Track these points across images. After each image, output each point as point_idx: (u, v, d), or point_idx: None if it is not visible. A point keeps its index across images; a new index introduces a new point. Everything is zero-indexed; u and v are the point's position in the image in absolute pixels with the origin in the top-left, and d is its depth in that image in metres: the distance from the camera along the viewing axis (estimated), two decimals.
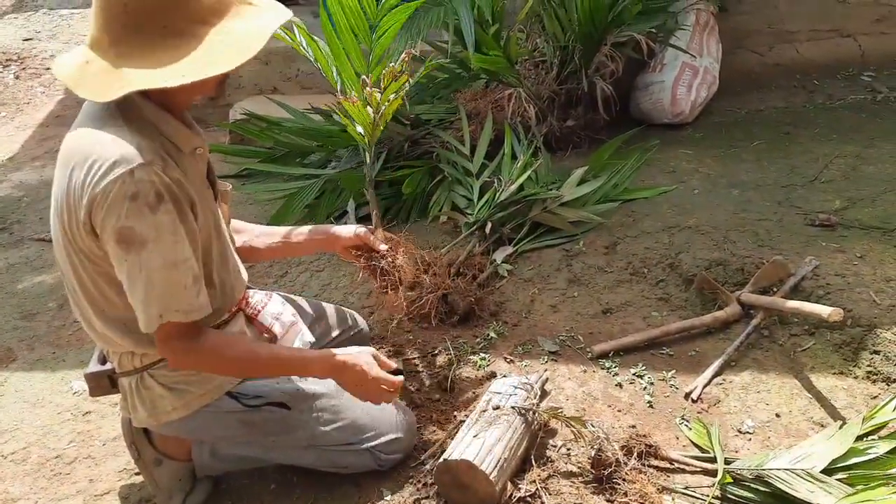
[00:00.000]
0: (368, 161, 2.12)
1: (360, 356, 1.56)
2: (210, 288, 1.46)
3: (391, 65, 2.07)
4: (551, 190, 2.73)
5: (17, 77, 4.74)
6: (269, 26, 1.28)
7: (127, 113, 1.31)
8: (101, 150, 1.26)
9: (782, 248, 2.49)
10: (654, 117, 3.54)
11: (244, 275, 1.65)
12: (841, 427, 1.70)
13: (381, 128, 2.11)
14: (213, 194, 1.52)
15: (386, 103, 2.07)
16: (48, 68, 4.79)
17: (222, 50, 1.23)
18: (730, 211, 2.78)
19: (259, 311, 1.69)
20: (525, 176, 2.68)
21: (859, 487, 1.55)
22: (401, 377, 1.62)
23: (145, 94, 1.31)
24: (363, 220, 2.95)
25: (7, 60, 4.96)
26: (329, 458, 1.68)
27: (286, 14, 1.33)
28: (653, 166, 3.18)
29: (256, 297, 1.71)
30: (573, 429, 1.76)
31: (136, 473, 1.77)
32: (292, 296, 2.03)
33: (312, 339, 1.77)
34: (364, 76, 2.13)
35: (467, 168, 2.94)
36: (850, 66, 4.04)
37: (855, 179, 2.94)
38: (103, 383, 1.57)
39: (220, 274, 1.51)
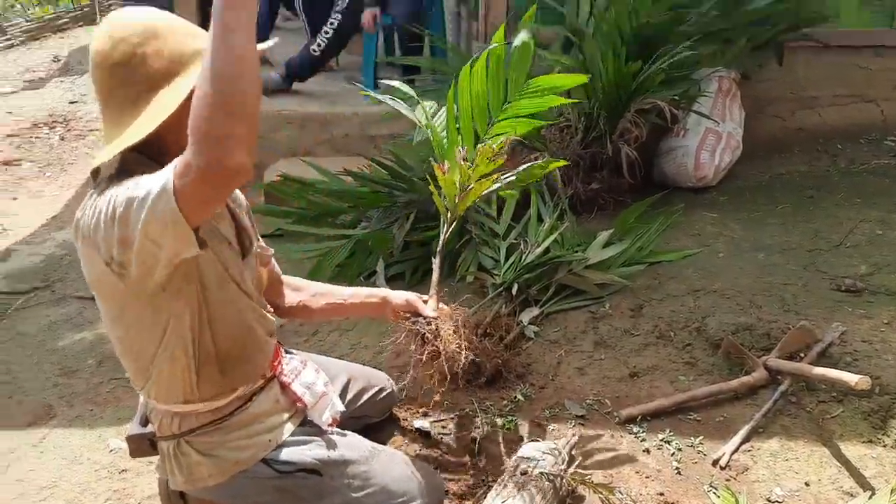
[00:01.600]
0: (443, 232, 2.10)
1: None
2: (227, 340, 1.51)
3: (487, 142, 2.02)
4: (577, 252, 2.78)
5: (62, 138, 4.96)
6: None
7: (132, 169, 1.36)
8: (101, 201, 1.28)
9: (808, 313, 2.51)
10: (678, 181, 3.61)
11: (269, 346, 1.68)
12: (871, 497, 1.69)
13: (467, 203, 2.07)
14: (237, 256, 1.54)
15: (475, 182, 2.00)
16: (92, 129, 5.01)
17: (166, 102, 1.26)
18: (755, 275, 2.80)
19: (292, 380, 1.72)
20: (551, 238, 2.74)
21: None
22: None
23: (147, 158, 1.36)
24: (393, 279, 3.02)
25: (53, 122, 5.19)
26: None
27: None
28: (677, 229, 3.23)
29: (291, 363, 1.75)
30: (601, 496, 1.77)
31: None
32: (326, 357, 2.09)
33: (342, 409, 1.80)
34: (459, 147, 2.12)
35: (494, 229, 3.01)
36: (872, 131, 4.09)
37: (880, 245, 2.95)
38: (144, 446, 1.62)
39: (232, 321, 1.53)
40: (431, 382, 1.82)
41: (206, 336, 1.48)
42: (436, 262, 2.01)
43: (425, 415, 2.25)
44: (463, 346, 1.81)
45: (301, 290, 1.91)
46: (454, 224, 2.08)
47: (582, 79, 2.19)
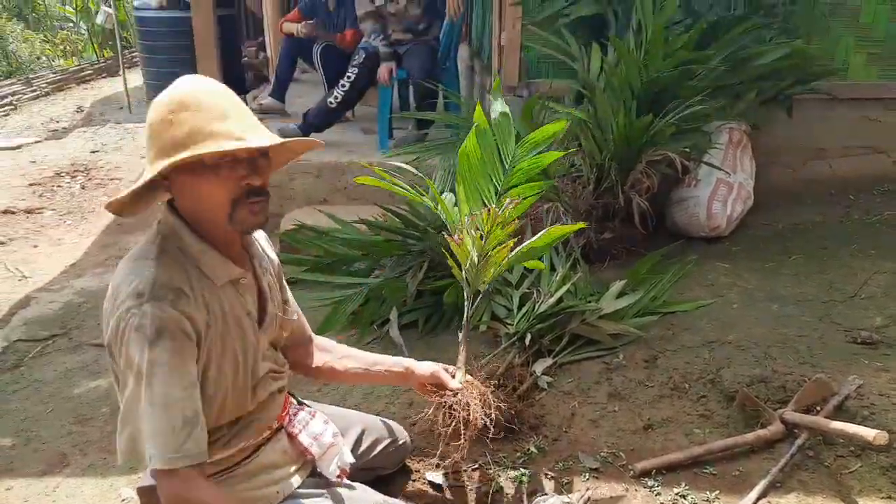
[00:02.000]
0: (466, 308, 2.11)
1: None
2: (223, 415, 1.52)
3: (492, 207, 2.00)
4: (590, 302, 2.79)
5: (83, 187, 5.06)
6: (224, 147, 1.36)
7: (165, 244, 1.43)
8: (123, 286, 1.38)
9: (824, 365, 2.49)
10: (690, 231, 3.63)
11: (278, 401, 1.70)
12: None
13: (489, 276, 2.08)
14: (253, 324, 1.58)
15: (491, 250, 1.99)
16: (112, 178, 5.12)
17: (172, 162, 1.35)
18: (769, 326, 2.79)
19: (300, 431, 1.72)
20: (564, 288, 2.75)
21: None
22: None
23: (187, 226, 1.45)
24: (405, 328, 3.03)
25: (75, 171, 5.31)
26: None
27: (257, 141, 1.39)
28: (691, 279, 3.24)
29: (301, 415, 1.75)
30: None
31: None
32: (339, 408, 2.09)
33: (352, 461, 1.79)
34: (468, 216, 2.12)
35: (507, 278, 3.03)
36: (884, 182, 4.11)
37: (895, 296, 2.94)
38: (154, 499, 1.62)
39: (237, 401, 1.56)
40: (456, 447, 1.81)
41: (211, 407, 1.49)
42: (462, 336, 2.02)
43: (438, 467, 2.23)
44: (492, 415, 1.82)
45: (329, 352, 1.94)
46: (478, 298, 2.11)
47: (562, 125, 2.28)
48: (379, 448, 2.05)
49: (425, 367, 1.92)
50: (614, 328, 2.74)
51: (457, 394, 1.84)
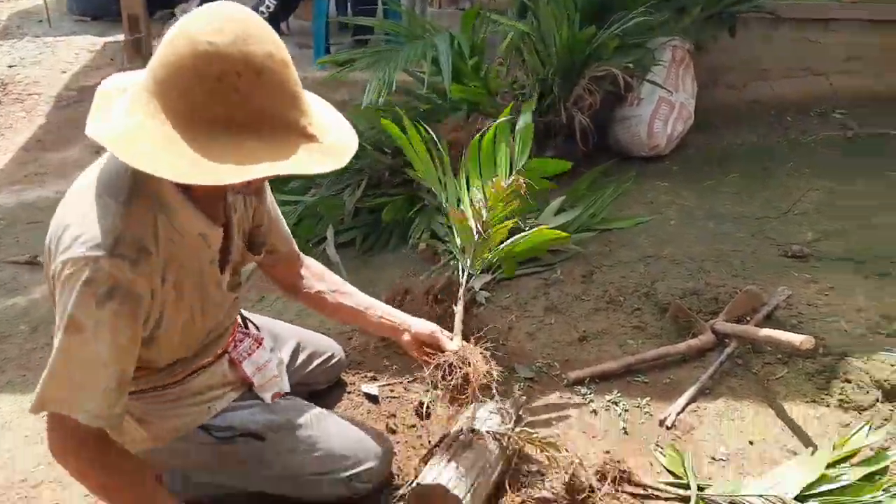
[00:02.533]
0: (462, 279, 2.04)
1: None
2: (182, 346, 1.45)
3: (495, 179, 2.00)
4: (529, 219, 2.75)
5: None
6: (294, 166, 1.14)
7: (138, 185, 1.25)
8: (86, 223, 1.20)
9: (756, 278, 2.53)
10: (631, 150, 3.60)
11: (228, 332, 1.63)
12: (812, 454, 1.71)
13: (486, 255, 2.05)
14: (218, 270, 1.46)
15: (493, 227, 1.98)
16: (31, 94, 4.80)
17: (227, 164, 1.10)
18: (705, 242, 2.82)
19: (244, 359, 1.65)
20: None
21: None
22: None
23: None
24: (342, 247, 2.96)
25: None
26: (303, 489, 1.65)
27: (326, 166, 1.18)
28: (630, 197, 3.23)
29: (246, 342, 1.68)
30: (547, 454, 1.76)
31: None
32: (276, 321, 2.02)
33: (287, 390, 1.75)
34: (477, 188, 2.13)
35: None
36: (822, 104, 4.14)
37: (827, 213, 3.00)
38: None
39: (189, 344, 1.48)
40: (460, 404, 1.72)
41: (160, 352, 1.42)
42: (458, 307, 1.95)
43: (373, 379, 2.20)
44: (494, 374, 1.73)
45: (322, 281, 1.81)
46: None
47: (566, 165, 2.49)
48: (315, 363, 2.01)
49: (424, 326, 1.76)
50: (553, 244, 2.71)
51: (455, 353, 1.71)
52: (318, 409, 1.73)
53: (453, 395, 1.66)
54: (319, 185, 3.17)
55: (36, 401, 1.25)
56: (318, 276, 1.82)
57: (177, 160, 1.08)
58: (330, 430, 1.68)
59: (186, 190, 1.29)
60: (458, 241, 2.16)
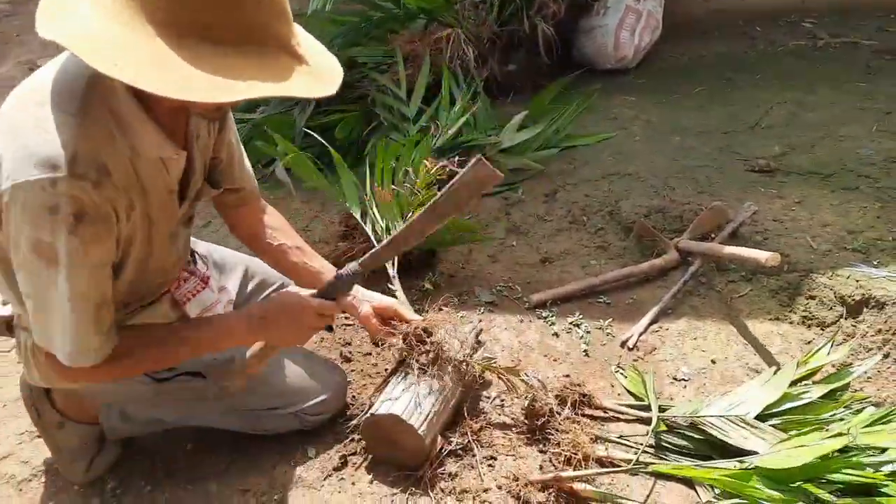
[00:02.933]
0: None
1: (282, 297, 1.40)
2: (131, 286, 1.32)
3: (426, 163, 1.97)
4: (490, 136, 2.63)
5: None
6: (289, 89, 1.02)
7: (93, 97, 1.10)
8: (34, 138, 1.05)
9: (722, 194, 2.46)
10: (597, 62, 3.46)
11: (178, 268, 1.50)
12: (775, 373, 1.68)
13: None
14: (177, 201, 1.32)
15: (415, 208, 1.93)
16: None
17: (208, 81, 0.96)
18: (670, 158, 2.73)
19: (189, 299, 1.52)
20: (462, 121, 2.56)
21: (792, 433, 1.53)
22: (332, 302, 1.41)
23: (130, 87, 1.10)
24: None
25: None
26: (250, 423, 1.59)
27: (319, 91, 1.05)
28: (594, 113, 3.11)
29: (191, 282, 1.55)
30: (506, 380, 1.70)
31: (38, 436, 1.64)
32: (223, 248, 1.89)
33: None
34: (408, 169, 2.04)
35: (404, 113, 2.81)
36: (791, 13, 4.01)
37: (795, 126, 2.92)
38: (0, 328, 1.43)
39: (147, 280, 1.36)
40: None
41: (120, 288, 1.28)
42: (395, 285, 1.89)
43: None
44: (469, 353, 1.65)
45: (283, 233, 1.65)
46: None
47: None
48: (267, 292, 1.90)
49: (384, 299, 1.66)
50: (515, 163, 2.61)
51: (418, 326, 1.62)
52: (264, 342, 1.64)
53: (422, 367, 1.58)
54: (268, 103, 2.99)
55: (38, 338, 1.21)
56: (278, 228, 1.66)
57: (167, 73, 0.94)
58: (277, 364, 1.59)
59: (147, 108, 1.14)
60: (379, 219, 2.11)
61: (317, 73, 1.05)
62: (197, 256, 1.62)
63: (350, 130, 2.80)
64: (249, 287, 1.85)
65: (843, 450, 1.45)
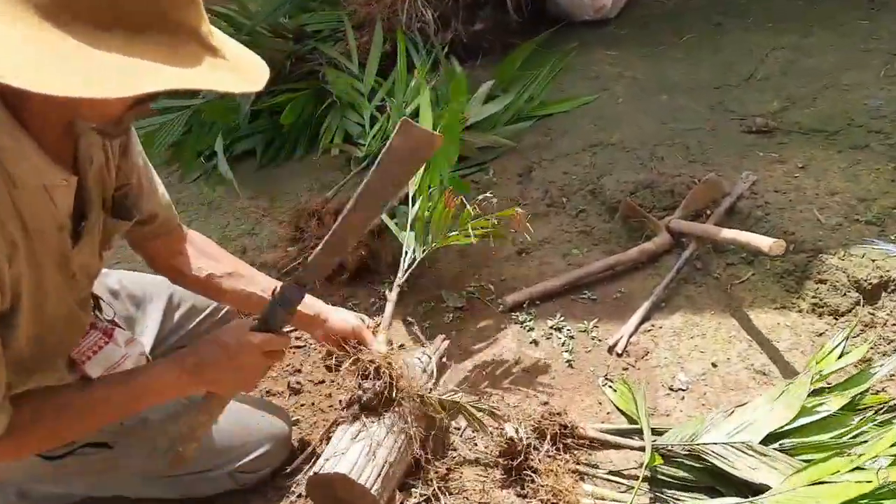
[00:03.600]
0: (402, 267, 1.77)
1: (217, 336, 1.17)
2: (36, 343, 1.05)
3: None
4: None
5: None
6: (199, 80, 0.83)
7: None
8: None
9: (716, 162, 2.20)
10: (573, 14, 3.13)
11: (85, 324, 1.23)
12: (787, 387, 1.44)
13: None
14: (66, 241, 1.06)
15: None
16: None
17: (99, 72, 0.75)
18: (658, 121, 2.45)
19: (89, 357, 1.23)
20: (421, 96, 2.28)
21: (810, 460, 1.30)
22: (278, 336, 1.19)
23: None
24: (241, 159, 2.54)
25: None
26: (178, 490, 1.36)
27: (238, 86, 0.86)
28: (572, 73, 2.81)
29: (91, 337, 1.25)
30: (473, 420, 1.47)
31: None
32: (138, 274, 1.63)
33: None
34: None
35: (359, 89, 2.52)
36: None
37: (793, 75, 2.62)
38: None
39: (49, 335, 1.08)
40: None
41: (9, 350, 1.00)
42: (391, 296, 1.64)
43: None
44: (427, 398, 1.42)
45: (212, 259, 1.41)
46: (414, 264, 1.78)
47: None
48: (198, 319, 1.65)
49: (344, 319, 1.43)
50: (483, 140, 2.33)
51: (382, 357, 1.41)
52: (186, 397, 1.38)
53: (373, 401, 1.37)
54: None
55: None
56: (206, 253, 1.41)
57: (57, 68, 0.73)
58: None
59: (23, 120, 0.89)
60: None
61: (236, 67, 0.86)
62: (101, 301, 1.35)
63: (300, 112, 2.51)
64: (176, 316, 1.60)
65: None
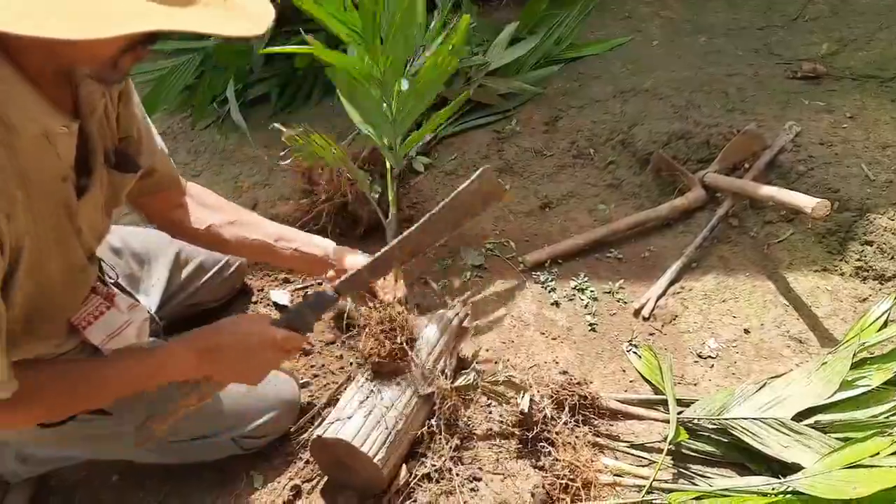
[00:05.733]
0: (390, 186, 1.78)
1: (240, 325, 1.14)
2: (31, 302, 0.99)
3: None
4: (476, 55, 2.21)
5: None
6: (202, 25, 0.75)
7: None
8: None
9: (757, 111, 2.04)
10: None
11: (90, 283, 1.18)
12: (826, 360, 1.34)
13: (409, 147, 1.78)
14: (73, 187, 1.00)
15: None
16: None
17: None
18: (695, 66, 2.29)
19: (90, 322, 1.18)
20: (440, 39, 2.14)
21: (847, 438, 1.21)
22: (300, 334, 1.17)
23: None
24: (255, 104, 2.44)
25: None
26: (177, 455, 1.32)
27: (238, 28, 0.78)
28: (604, 13, 2.64)
29: (92, 302, 1.19)
30: (493, 394, 1.39)
31: None
32: (142, 230, 1.57)
33: None
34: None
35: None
36: None
37: (845, 14, 2.43)
38: None
39: (49, 295, 1.02)
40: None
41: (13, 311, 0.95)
42: (389, 230, 1.63)
43: (285, 282, 1.80)
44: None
45: (216, 212, 1.35)
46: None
47: None
48: (206, 277, 1.60)
49: (354, 261, 1.34)
50: (506, 86, 2.19)
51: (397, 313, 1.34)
52: None
53: (383, 362, 1.32)
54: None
55: None
56: (205, 204, 1.35)
57: (40, 7, 0.68)
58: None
59: (20, 64, 0.84)
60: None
61: (236, 7, 0.79)
62: (102, 264, 1.29)
63: (312, 58, 2.39)
64: (183, 275, 1.55)
65: None
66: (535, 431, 1.34)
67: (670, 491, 1.23)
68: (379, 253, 1.22)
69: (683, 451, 1.34)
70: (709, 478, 1.29)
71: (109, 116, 1.08)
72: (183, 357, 1.09)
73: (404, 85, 1.66)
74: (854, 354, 1.33)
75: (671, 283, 1.70)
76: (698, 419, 1.33)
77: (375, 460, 1.22)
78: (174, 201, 1.32)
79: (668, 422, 1.35)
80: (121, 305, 1.23)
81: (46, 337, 1.08)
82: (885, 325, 1.46)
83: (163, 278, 1.50)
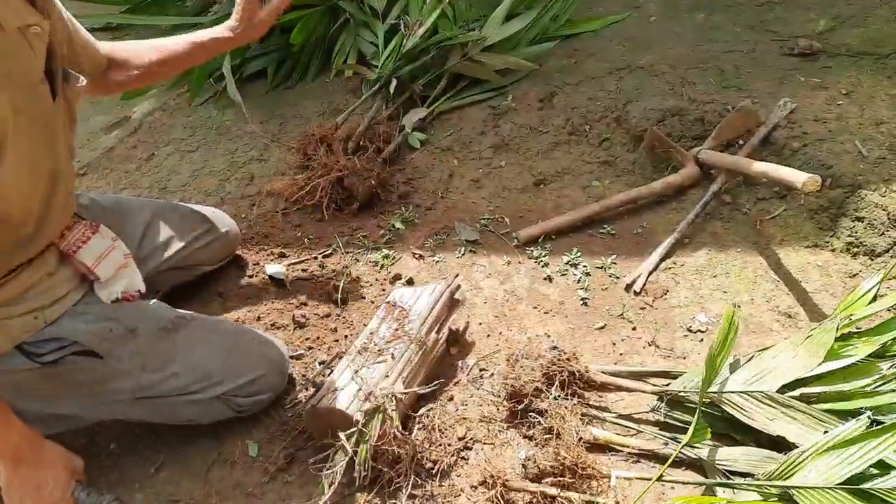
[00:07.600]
0: None
1: (50, 455, 1.23)
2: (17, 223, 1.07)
3: None
4: (472, 31, 2.20)
5: None
6: None
7: None
8: None
9: (752, 87, 2.05)
10: None
11: (65, 207, 1.23)
12: (812, 333, 1.35)
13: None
14: (49, 90, 1.08)
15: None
16: None
17: None
18: (691, 42, 2.29)
19: (79, 248, 1.25)
20: (436, 14, 2.14)
21: (831, 411, 1.23)
22: None
23: None
24: (252, 79, 2.45)
25: None
26: (166, 412, 1.33)
27: None
28: None
29: (77, 230, 1.27)
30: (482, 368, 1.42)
31: None
32: (114, 196, 1.59)
33: (142, 288, 1.35)
34: None
35: (372, 6, 2.38)
36: None
37: None
38: None
39: (26, 206, 1.09)
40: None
41: None
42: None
43: (281, 256, 1.82)
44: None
45: (128, 65, 1.44)
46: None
47: None
48: (189, 238, 1.60)
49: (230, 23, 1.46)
50: (502, 62, 2.19)
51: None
52: (177, 314, 1.36)
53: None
54: (220, 3, 2.57)
55: None
56: (121, 64, 1.44)
57: None
58: (193, 339, 1.32)
59: None
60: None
61: None
62: (80, 208, 1.36)
63: (312, 31, 2.39)
64: (160, 237, 1.55)
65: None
66: (524, 404, 1.36)
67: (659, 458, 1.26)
68: None
69: (671, 422, 1.36)
70: (696, 448, 1.32)
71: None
72: (5, 436, 1.16)
73: None
74: (840, 327, 1.35)
75: (663, 259, 1.72)
76: (682, 392, 1.35)
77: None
78: (107, 78, 1.44)
79: (655, 394, 1.37)
80: (104, 233, 1.30)
81: (38, 261, 1.18)
82: (873, 299, 1.48)
83: (136, 234, 1.51)
